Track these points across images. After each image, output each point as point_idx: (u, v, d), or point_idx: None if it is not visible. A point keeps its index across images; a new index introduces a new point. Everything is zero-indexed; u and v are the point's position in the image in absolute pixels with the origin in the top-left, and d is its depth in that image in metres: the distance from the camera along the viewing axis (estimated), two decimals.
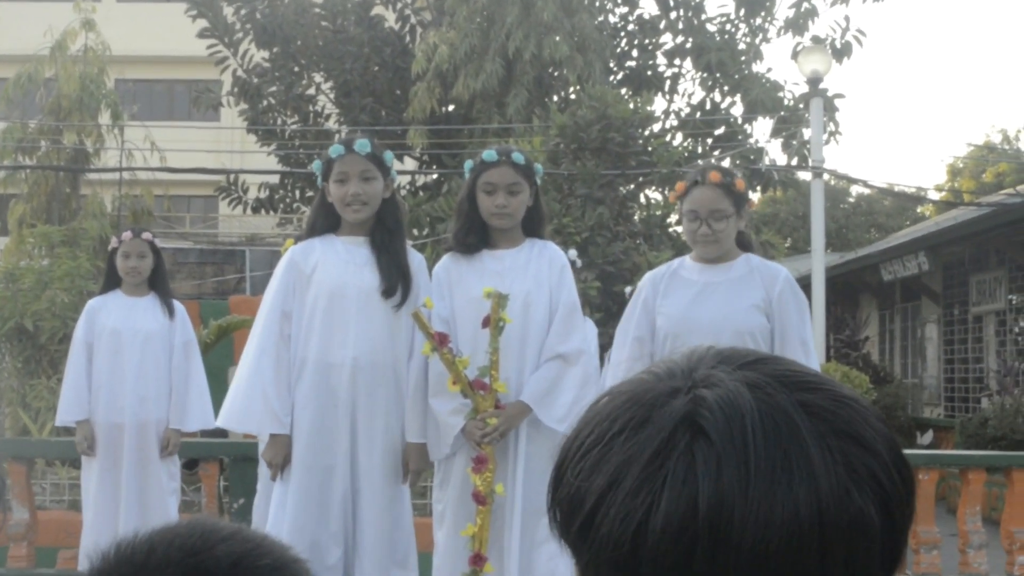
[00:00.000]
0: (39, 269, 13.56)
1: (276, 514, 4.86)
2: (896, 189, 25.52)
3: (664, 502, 0.93)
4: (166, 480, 6.98)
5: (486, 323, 4.73)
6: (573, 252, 5.13)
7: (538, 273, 4.93)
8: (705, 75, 20.51)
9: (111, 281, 7.06)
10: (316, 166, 5.04)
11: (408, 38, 21.95)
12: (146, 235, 7.04)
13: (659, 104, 20.62)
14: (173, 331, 7.01)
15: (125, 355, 6.89)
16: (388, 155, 5.06)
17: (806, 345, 4.87)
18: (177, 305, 7.12)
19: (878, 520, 0.95)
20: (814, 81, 15.90)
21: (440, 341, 4.73)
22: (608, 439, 0.98)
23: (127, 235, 7.01)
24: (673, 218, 14.84)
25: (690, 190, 4.86)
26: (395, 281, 4.91)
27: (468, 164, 5.05)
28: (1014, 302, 17.25)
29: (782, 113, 19.46)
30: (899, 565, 0.99)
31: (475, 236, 4.97)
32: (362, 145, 4.93)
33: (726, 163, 18.84)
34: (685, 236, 4.97)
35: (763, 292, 4.83)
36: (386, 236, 4.97)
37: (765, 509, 0.92)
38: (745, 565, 0.91)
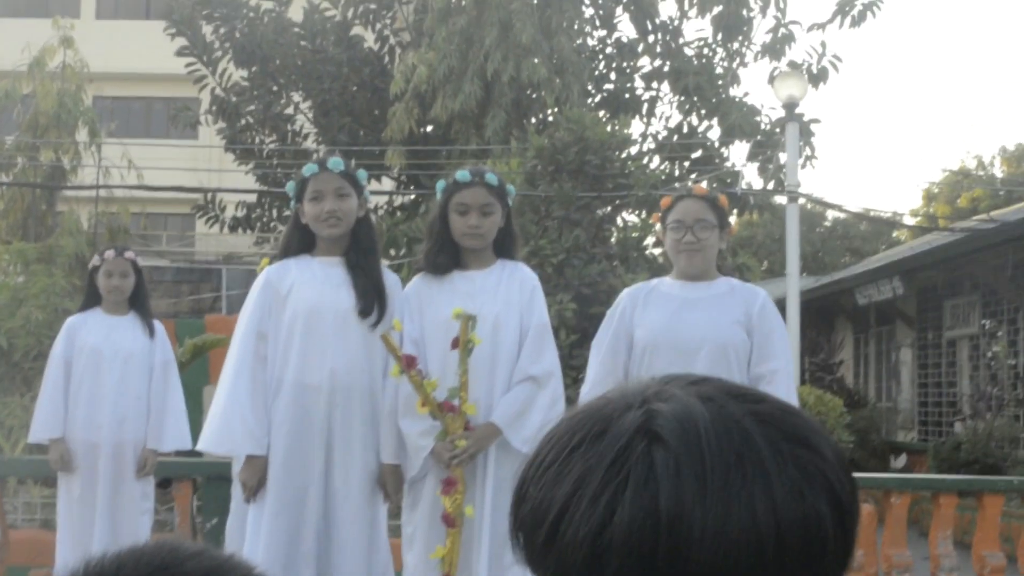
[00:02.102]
0: (14, 286, 13.53)
1: (252, 535, 4.85)
2: (871, 214, 25.63)
3: (627, 504, 0.96)
4: (139, 500, 6.94)
5: (455, 344, 4.73)
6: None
7: (508, 294, 4.93)
8: (682, 99, 20.61)
9: (91, 299, 7.03)
10: (290, 187, 5.06)
11: (387, 59, 22.01)
12: (129, 254, 7.01)
13: (636, 127, 20.74)
14: (153, 350, 6.99)
15: (105, 374, 6.85)
16: (362, 173, 5.09)
17: (789, 361, 4.96)
18: (157, 324, 7.09)
19: (830, 517, 0.99)
20: (790, 106, 15.99)
21: (408, 363, 4.73)
22: (568, 452, 1.02)
23: (110, 254, 6.97)
24: (650, 240, 14.88)
25: (675, 203, 4.96)
26: (371, 300, 4.91)
27: (440, 184, 5.06)
28: (987, 327, 17.36)
29: (758, 137, 19.57)
30: (850, 563, 1.03)
31: (446, 256, 4.97)
32: (335, 163, 4.95)
33: (703, 185, 18.95)
34: (668, 249, 5.00)
35: (744, 308, 4.90)
36: (361, 256, 4.98)
37: (723, 509, 0.95)
38: (706, 564, 0.95)
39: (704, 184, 18.83)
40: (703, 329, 4.82)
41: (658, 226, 5.16)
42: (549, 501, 1.00)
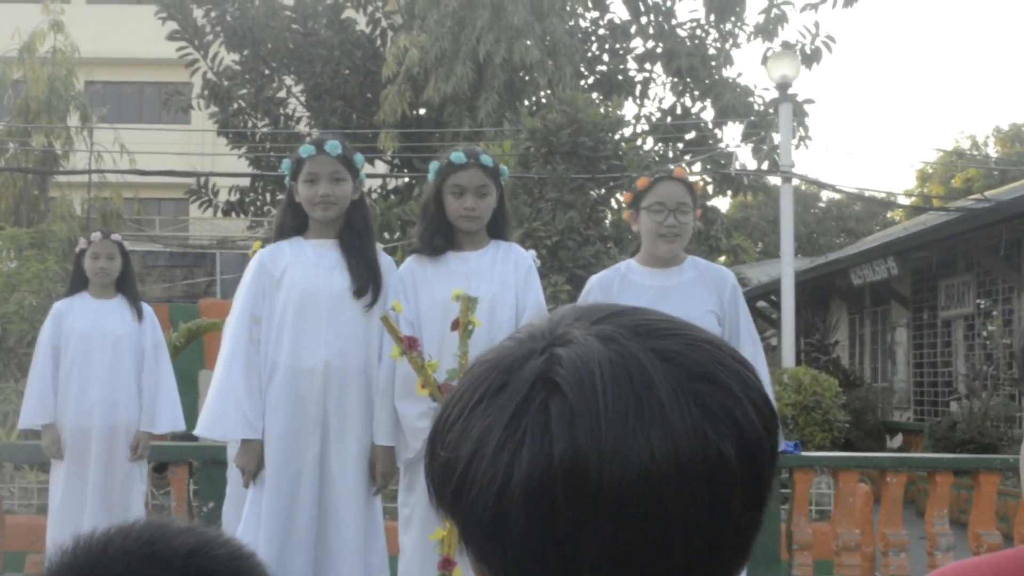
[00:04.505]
0: (7, 272, 13.50)
1: (250, 519, 4.82)
2: (866, 194, 25.65)
3: (524, 459, 0.95)
4: (136, 482, 6.94)
5: (455, 326, 4.71)
6: (532, 252, 5.14)
7: (504, 275, 4.93)
8: (675, 80, 20.57)
9: (78, 283, 7.01)
10: (285, 165, 5.03)
11: (379, 41, 21.94)
12: (115, 236, 7.00)
13: (630, 109, 20.73)
14: (142, 334, 6.97)
15: (94, 358, 6.83)
16: (358, 157, 5.06)
17: (756, 343, 5.03)
18: (146, 307, 7.07)
19: (735, 457, 0.97)
20: (783, 86, 15.95)
21: (410, 345, 4.71)
22: (470, 409, 1.01)
23: (96, 236, 6.96)
24: None
25: (654, 185, 4.91)
26: (366, 281, 4.89)
27: (434, 165, 5.03)
28: (982, 306, 17.37)
29: (752, 118, 19.54)
30: (765, 502, 1.01)
31: (441, 238, 4.96)
32: (333, 146, 4.92)
33: (696, 167, 18.95)
34: (645, 232, 4.95)
35: (716, 296, 4.93)
36: (355, 238, 4.96)
37: (620, 454, 0.94)
38: (607, 510, 0.94)
39: (697, 166, 18.90)
40: None
41: (627, 205, 5.09)
42: (455, 460, 0.99)
